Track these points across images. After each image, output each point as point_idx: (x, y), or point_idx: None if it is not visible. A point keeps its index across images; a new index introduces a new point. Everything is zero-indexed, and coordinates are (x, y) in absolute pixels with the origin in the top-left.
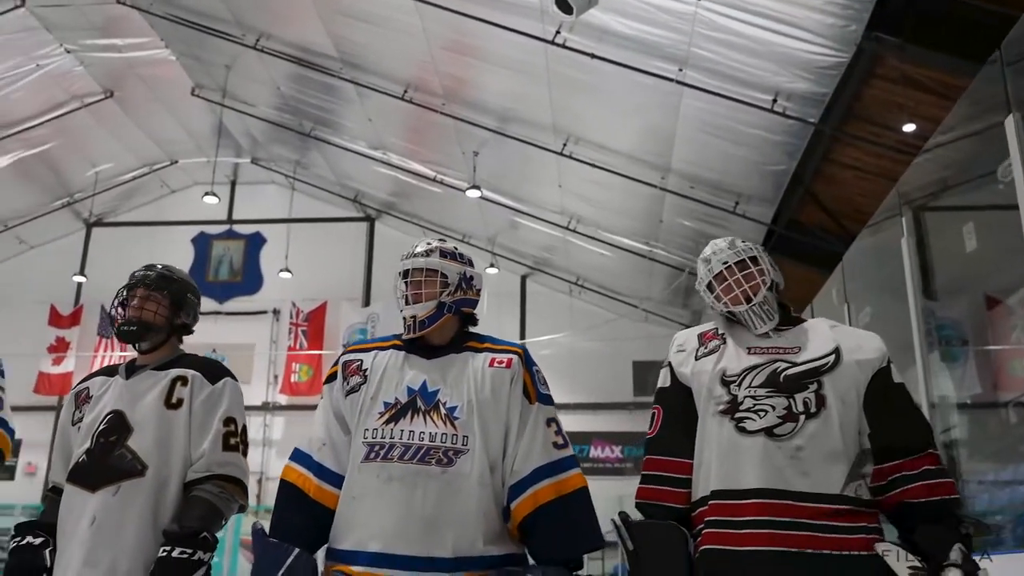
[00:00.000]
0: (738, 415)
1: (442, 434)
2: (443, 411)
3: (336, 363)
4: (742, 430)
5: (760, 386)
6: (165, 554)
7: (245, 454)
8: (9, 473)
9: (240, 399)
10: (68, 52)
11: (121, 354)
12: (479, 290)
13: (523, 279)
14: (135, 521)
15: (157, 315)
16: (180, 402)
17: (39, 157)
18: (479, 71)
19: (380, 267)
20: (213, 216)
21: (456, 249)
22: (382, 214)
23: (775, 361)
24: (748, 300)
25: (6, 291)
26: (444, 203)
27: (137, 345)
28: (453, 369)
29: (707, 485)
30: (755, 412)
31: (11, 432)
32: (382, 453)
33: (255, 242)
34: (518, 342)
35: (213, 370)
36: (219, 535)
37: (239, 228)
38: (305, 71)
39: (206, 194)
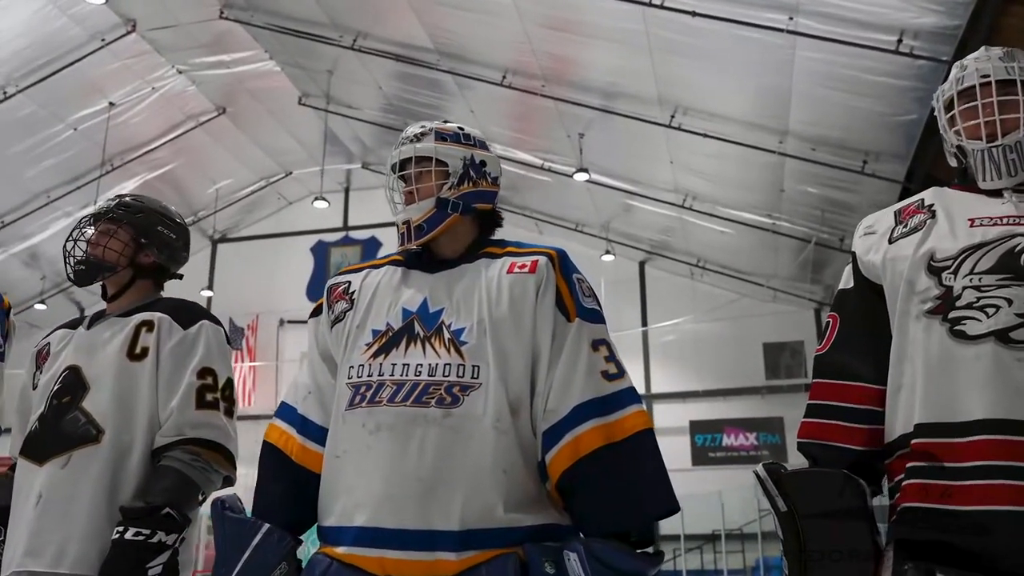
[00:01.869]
0: (954, 315)
1: (445, 365)
2: (447, 336)
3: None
4: (960, 335)
5: (989, 271)
6: (118, 536)
7: (230, 413)
8: None
9: (222, 346)
10: (180, 72)
11: (254, 364)
12: (496, 179)
13: (641, 265)
14: (87, 498)
15: (109, 250)
16: (145, 352)
17: (163, 178)
18: (576, 46)
19: None
20: (330, 224)
21: (461, 129)
22: None
23: (1013, 236)
24: (992, 137)
25: None
26: (554, 192)
27: (103, 293)
28: (462, 282)
29: (909, 418)
30: (980, 309)
31: None
32: (369, 396)
33: (371, 247)
34: (552, 245)
35: (187, 312)
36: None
37: (355, 234)
38: (404, 67)
39: (316, 198)
